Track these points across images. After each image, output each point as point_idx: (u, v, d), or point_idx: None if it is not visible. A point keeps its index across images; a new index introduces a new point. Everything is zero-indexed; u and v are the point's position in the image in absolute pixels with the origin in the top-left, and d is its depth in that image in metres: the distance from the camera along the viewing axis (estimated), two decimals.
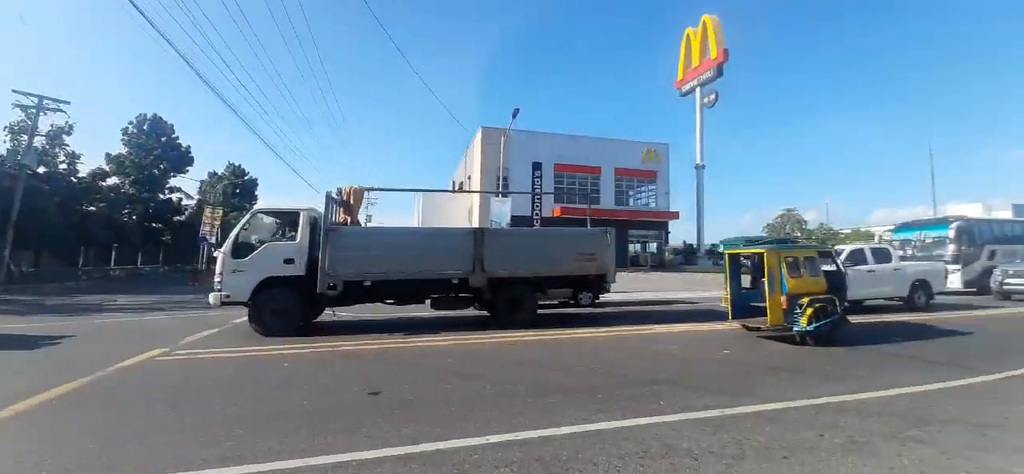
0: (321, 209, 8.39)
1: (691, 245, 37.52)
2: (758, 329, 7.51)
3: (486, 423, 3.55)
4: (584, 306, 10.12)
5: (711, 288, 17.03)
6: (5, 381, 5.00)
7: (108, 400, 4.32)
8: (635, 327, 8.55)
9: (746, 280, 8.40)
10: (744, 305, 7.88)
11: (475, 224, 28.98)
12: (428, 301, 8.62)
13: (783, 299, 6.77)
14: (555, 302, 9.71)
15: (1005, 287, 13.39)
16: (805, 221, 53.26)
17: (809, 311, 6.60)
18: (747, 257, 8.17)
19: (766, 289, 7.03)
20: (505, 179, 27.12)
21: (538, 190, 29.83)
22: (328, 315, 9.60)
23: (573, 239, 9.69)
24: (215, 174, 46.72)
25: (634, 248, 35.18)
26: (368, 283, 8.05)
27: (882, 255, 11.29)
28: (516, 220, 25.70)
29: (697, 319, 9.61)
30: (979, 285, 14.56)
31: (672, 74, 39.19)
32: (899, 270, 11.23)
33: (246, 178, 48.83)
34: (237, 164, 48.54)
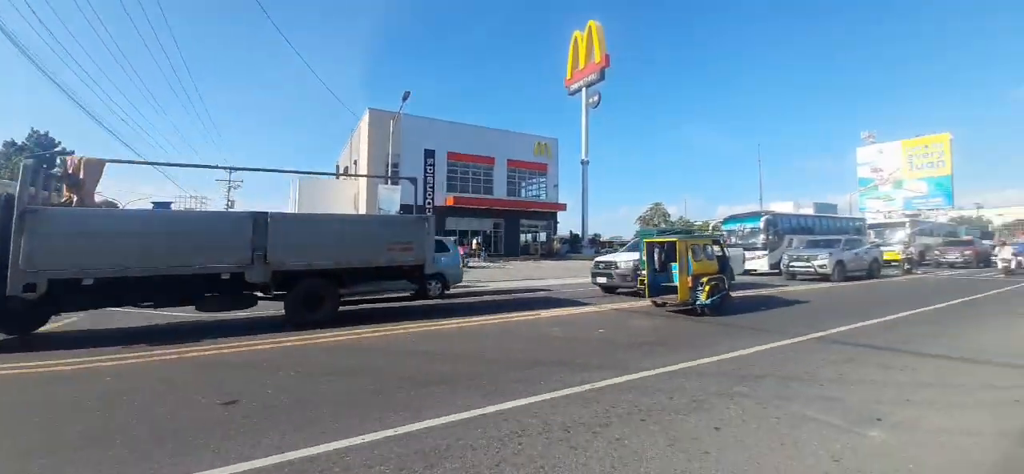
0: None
1: (577, 235, 40.40)
2: (665, 304, 8.77)
3: (361, 421, 3.35)
4: (433, 299, 10.01)
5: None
6: None
7: None
8: (521, 313, 8.89)
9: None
10: (657, 285, 9.04)
11: (362, 211, 27.33)
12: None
13: (689, 279, 8.15)
14: (387, 296, 9.08)
15: (790, 269, 16.49)
16: (669, 214, 61.14)
17: (707, 288, 8.09)
18: (659, 245, 9.39)
19: (675, 271, 8.31)
20: (395, 166, 25.99)
21: (431, 178, 29.25)
22: (159, 316, 8.20)
23: (384, 226, 9.02)
24: (13, 144, 36.68)
25: (525, 237, 36.65)
26: (90, 282, 6.28)
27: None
28: (407, 209, 24.91)
29: (578, 304, 10.35)
30: (781, 267, 18.08)
31: (563, 72, 41.46)
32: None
33: (58, 148, 39.08)
34: (44, 132, 38.60)
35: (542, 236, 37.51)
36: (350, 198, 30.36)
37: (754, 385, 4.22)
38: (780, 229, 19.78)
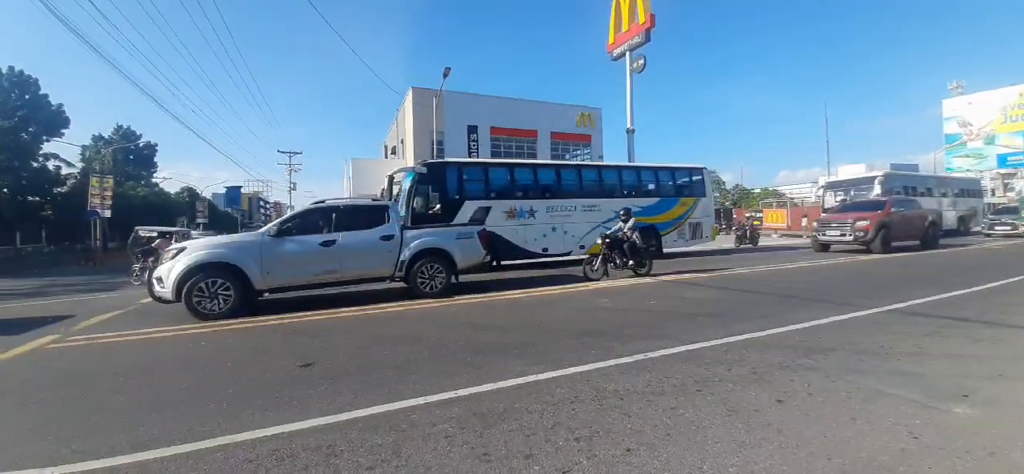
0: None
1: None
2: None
3: (423, 384, 3.56)
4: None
5: None
6: None
7: None
8: (567, 286, 8.90)
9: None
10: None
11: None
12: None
13: None
14: None
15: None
16: (723, 182, 58.03)
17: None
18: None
19: None
20: (440, 143, 26.33)
21: (475, 154, 29.46)
22: None
23: None
24: (101, 138, 40.84)
25: None
26: None
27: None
28: None
29: (618, 276, 10.19)
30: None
31: (604, 37, 39.75)
32: None
33: (141, 143, 43.12)
34: (126, 126, 42.61)
35: None
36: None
37: (821, 358, 4.02)
38: (451, 191, 11.75)
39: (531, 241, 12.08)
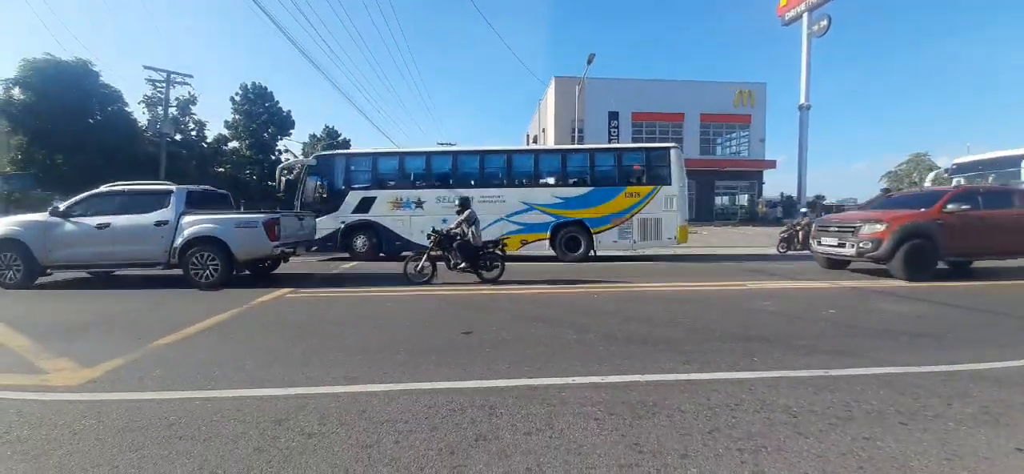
0: None
1: (791, 197, 33.93)
2: None
3: (571, 366, 3.71)
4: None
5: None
6: (174, 314, 6.16)
7: (251, 329, 5.16)
8: (721, 282, 8.12)
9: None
10: None
11: None
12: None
13: None
14: None
15: None
16: (938, 167, 45.27)
17: None
18: None
19: None
20: (580, 131, 26.25)
21: (615, 141, 28.62)
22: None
23: None
24: (314, 136, 51.33)
25: (721, 200, 32.72)
26: None
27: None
28: None
29: (797, 278, 8.85)
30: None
31: (767, 5, 34.27)
32: None
33: (340, 139, 52.92)
34: (331, 126, 52.84)
35: (743, 199, 32.82)
36: None
37: None
38: (337, 181, 12.25)
39: (416, 233, 11.61)
